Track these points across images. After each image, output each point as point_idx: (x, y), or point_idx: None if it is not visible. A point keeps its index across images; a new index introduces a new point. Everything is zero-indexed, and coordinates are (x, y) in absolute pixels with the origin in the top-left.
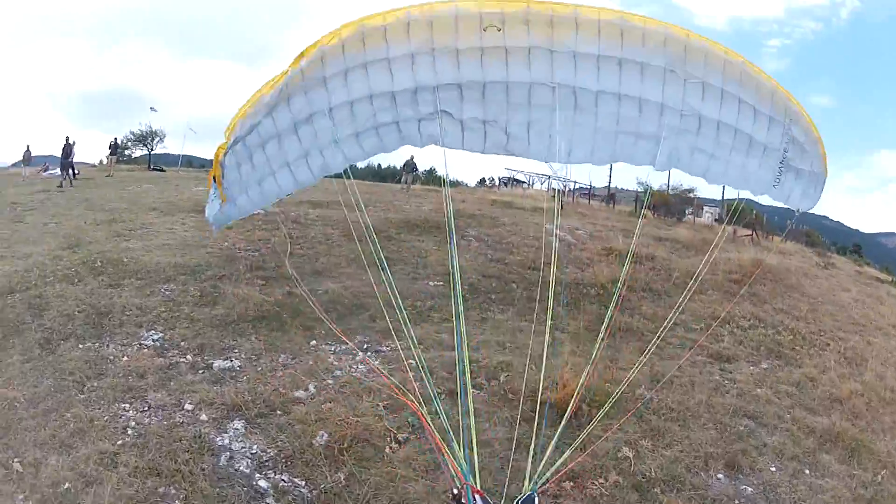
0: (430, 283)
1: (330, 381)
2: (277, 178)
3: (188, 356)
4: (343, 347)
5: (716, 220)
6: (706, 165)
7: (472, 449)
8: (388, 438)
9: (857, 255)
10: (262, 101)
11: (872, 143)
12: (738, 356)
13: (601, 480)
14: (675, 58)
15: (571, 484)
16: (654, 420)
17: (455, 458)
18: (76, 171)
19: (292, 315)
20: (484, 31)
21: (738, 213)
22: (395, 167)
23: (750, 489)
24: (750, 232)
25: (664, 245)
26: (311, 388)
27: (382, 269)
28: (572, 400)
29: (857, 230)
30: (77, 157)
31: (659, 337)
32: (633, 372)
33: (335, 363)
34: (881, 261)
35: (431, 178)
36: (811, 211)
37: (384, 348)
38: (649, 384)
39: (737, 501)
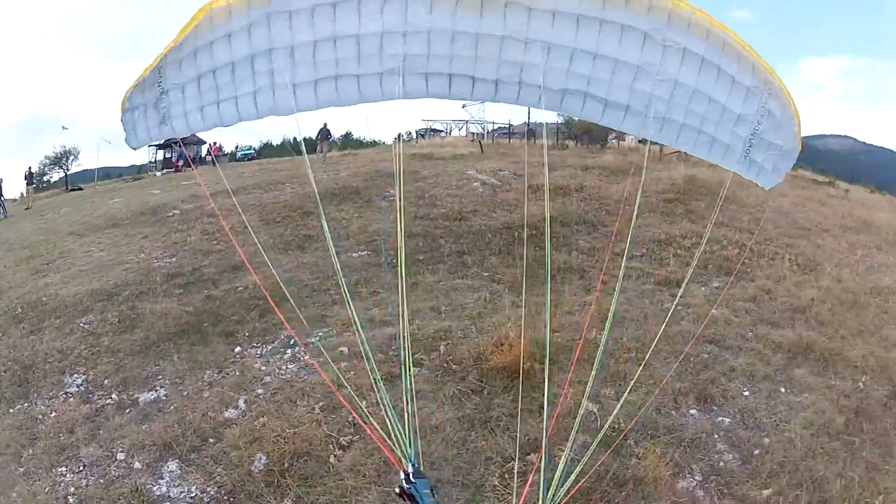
0: (354, 254)
1: (260, 391)
2: (221, 107)
3: (113, 395)
4: (269, 348)
5: (640, 141)
6: (676, 133)
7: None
8: (331, 446)
9: None
10: (218, 20)
11: (796, 52)
12: (684, 277)
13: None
14: (659, 23)
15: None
16: (612, 365)
17: (399, 447)
18: (5, 211)
19: (213, 322)
20: None
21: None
22: (311, 138)
23: (727, 420)
24: (676, 149)
25: (592, 174)
26: (241, 403)
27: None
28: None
29: None
30: (6, 192)
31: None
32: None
33: (263, 369)
34: (814, 163)
35: (348, 142)
36: None
37: (313, 337)
38: (600, 325)
39: (716, 436)
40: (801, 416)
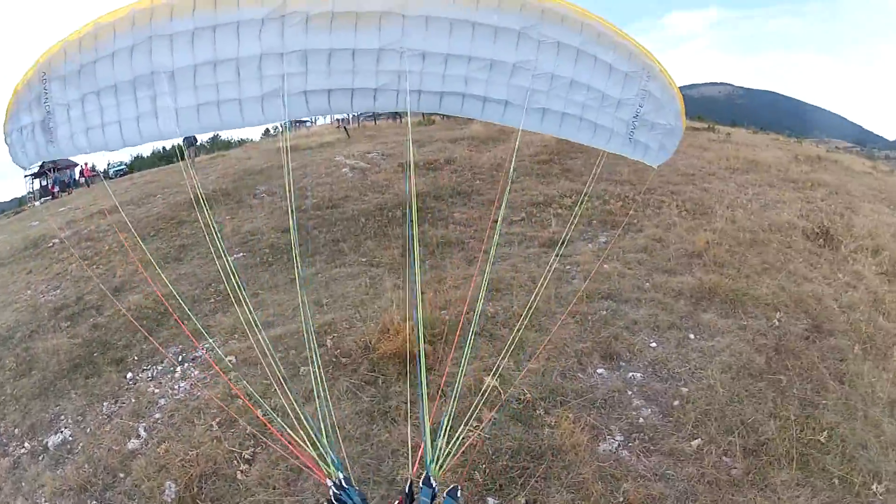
0: (231, 257)
1: (157, 416)
2: (106, 131)
3: (26, 444)
4: (159, 368)
5: None
6: (558, 122)
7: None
8: (235, 461)
9: None
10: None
11: (663, 7)
12: (571, 238)
13: (475, 424)
14: (532, 21)
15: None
16: (505, 335)
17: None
18: None
19: (102, 350)
20: None
21: None
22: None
23: (638, 375)
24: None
25: (461, 145)
26: (142, 431)
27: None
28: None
29: None
30: None
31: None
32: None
33: (156, 391)
34: (691, 112)
35: (215, 144)
36: None
37: (201, 351)
38: (489, 297)
39: (630, 392)
40: (717, 360)
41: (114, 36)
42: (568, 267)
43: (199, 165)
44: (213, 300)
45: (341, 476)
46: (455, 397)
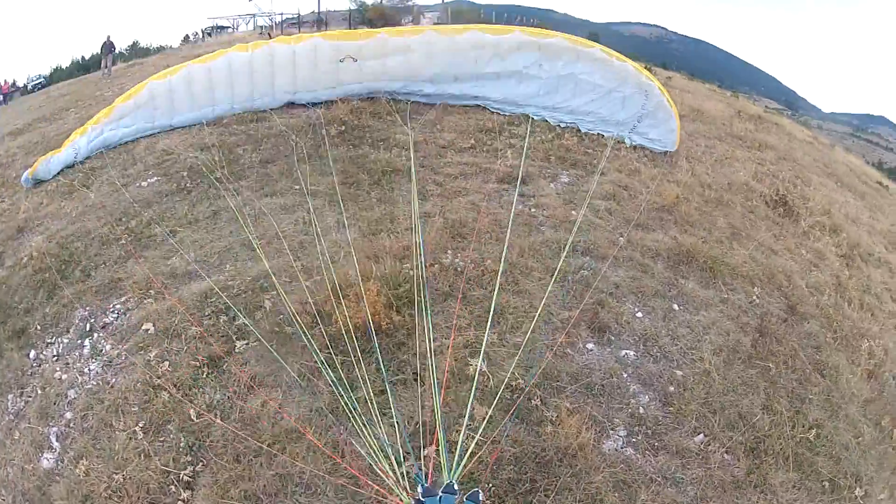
0: (143, 183)
1: (68, 415)
2: None
3: None
4: (65, 342)
5: (436, 22)
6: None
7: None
8: (173, 487)
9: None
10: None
11: None
12: (530, 174)
13: (470, 423)
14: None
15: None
16: (480, 297)
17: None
18: None
19: (2, 319)
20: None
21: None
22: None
23: (631, 353)
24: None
25: None
26: (54, 440)
27: None
28: None
29: (586, 20)
30: None
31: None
32: None
33: (63, 378)
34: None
35: (135, 51)
36: (536, 6)
37: (111, 314)
38: (452, 243)
39: (625, 375)
40: (707, 339)
41: None
42: (534, 211)
43: (115, 74)
44: (123, 240)
45: (420, 491)
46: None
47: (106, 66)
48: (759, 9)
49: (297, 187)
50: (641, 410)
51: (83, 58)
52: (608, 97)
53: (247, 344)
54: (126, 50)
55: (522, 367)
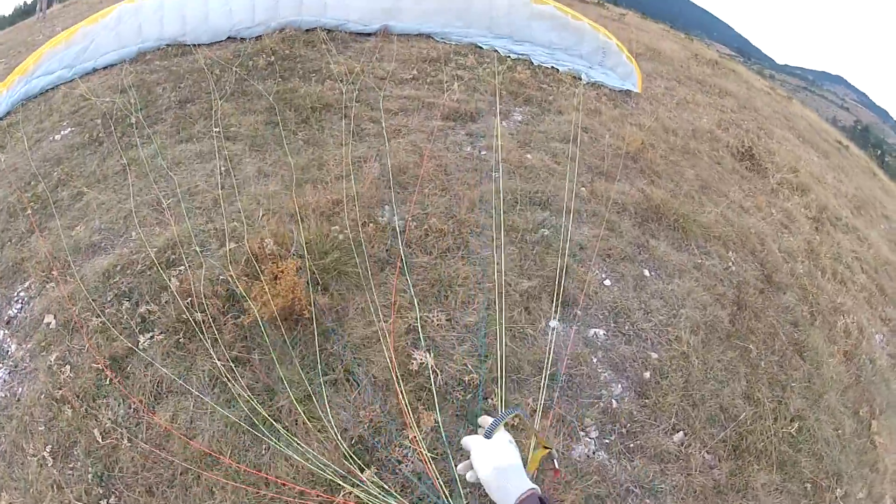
0: (56, 136)
1: None
2: None
3: None
4: None
5: None
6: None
7: None
8: None
9: None
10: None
11: None
12: (479, 110)
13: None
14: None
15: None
16: (425, 264)
17: None
18: None
19: None
20: None
21: None
22: None
23: (601, 332)
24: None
25: None
26: None
27: None
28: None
29: None
30: None
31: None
32: None
33: None
34: None
35: None
36: None
37: (15, 305)
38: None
39: (595, 359)
40: (684, 314)
41: None
42: (484, 153)
43: (51, 15)
44: (30, 210)
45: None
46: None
47: (41, 9)
48: None
49: (217, 130)
50: (615, 404)
51: (25, 2)
52: (565, 52)
53: (151, 338)
54: None
55: (476, 357)
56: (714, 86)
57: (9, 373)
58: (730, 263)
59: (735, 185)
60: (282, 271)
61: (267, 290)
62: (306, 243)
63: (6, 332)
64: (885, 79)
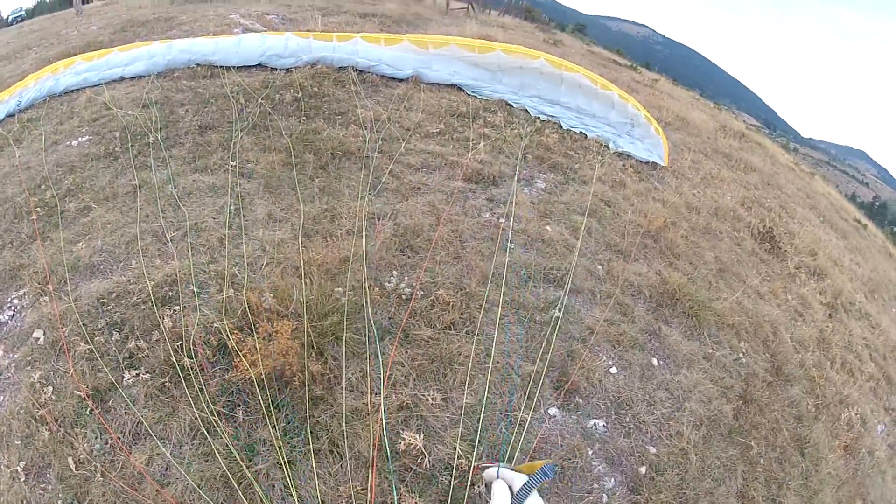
0: (73, 142)
1: None
2: None
3: None
4: None
5: None
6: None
7: None
8: None
9: (583, 34)
10: None
11: None
12: (502, 173)
13: None
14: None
15: None
16: (427, 337)
17: None
18: None
19: None
20: None
21: None
22: None
23: (601, 423)
24: (465, 4)
25: (371, 22)
26: None
27: None
28: None
29: (575, 10)
30: None
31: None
32: None
33: None
34: (605, 42)
35: None
36: None
37: (7, 311)
38: (397, 259)
39: (591, 451)
40: (687, 408)
41: None
42: (502, 221)
43: (88, 12)
44: (35, 216)
45: None
46: None
47: (77, 6)
48: (750, 18)
49: (234, 164)
50: (605, 499)
51: None
52: (594, 118)
53: (137, 376)
54: None
55: (468, 441)
56: (740, 160)
57: None
58: (740, 354)
59: (753, 269)
60: (277, 331)
61: (258, 349)
62: (306, 302)
63: None
64: None
